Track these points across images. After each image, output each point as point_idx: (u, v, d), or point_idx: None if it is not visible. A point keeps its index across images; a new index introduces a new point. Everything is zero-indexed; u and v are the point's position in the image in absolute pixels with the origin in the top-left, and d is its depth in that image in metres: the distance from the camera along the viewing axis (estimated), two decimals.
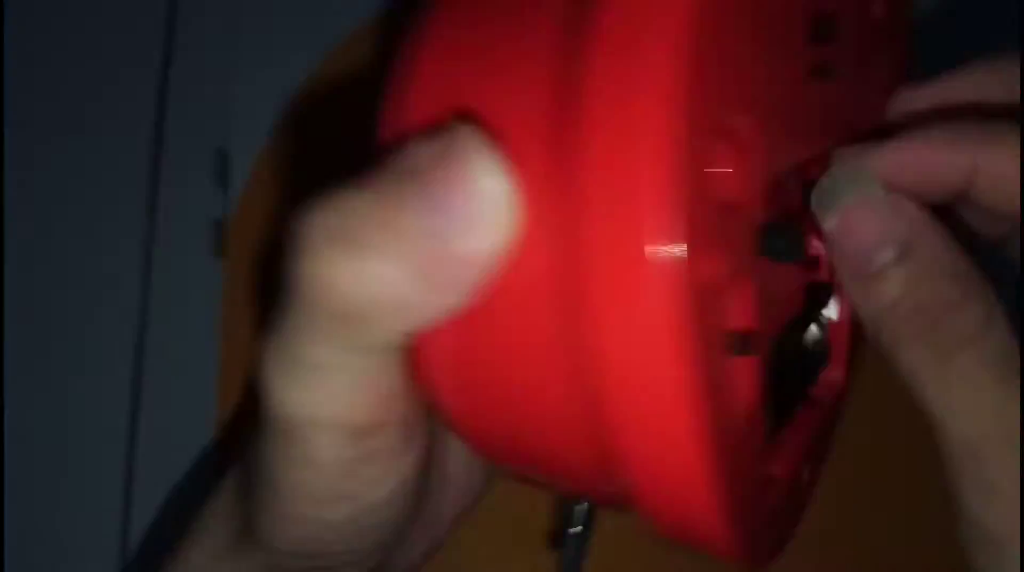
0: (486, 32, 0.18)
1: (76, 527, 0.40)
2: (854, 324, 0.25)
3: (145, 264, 0.43)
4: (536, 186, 0.16)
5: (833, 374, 0.25)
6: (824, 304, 0.24)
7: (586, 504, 0.27)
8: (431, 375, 0.19)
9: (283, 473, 0.20)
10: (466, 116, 0.17)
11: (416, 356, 0.19)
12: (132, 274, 0.43)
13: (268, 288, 0.42)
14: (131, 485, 0.40)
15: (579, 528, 0.26)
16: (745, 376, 0.18)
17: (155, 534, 0.40)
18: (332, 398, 0.18)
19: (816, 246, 0.21)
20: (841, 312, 0.25)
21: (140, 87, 0.45)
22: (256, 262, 0.42)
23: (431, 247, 0.16)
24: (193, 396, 0.41)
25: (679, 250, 0.14)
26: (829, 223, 0.18)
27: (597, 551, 0.39)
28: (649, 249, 0.14)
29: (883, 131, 0.20)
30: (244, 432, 0.27)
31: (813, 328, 0.24)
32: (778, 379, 0.21)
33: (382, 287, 0.16)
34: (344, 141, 0.44)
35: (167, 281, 0.43)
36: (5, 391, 0.41)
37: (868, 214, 0.18)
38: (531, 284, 0.16)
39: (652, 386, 0.15)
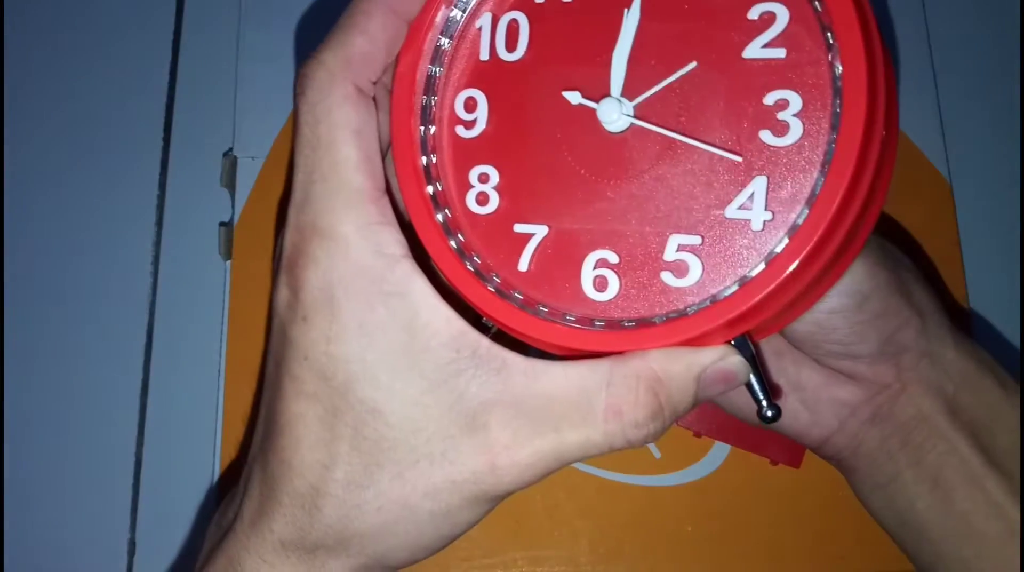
0: None
1: (83, 521, 0.41)
2: None
3: (155, 265, 0.44)
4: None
5: None
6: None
7: None
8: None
9: None
10: None
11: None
12: (143, 274, 0.44)
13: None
14: (139, 473, 0.41)
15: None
16: None
17: (162, 529, 0.41)
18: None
19: None
20: None
21: (149, 94, 0.46)
22: (262, 263, 0.43)
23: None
24: (201, 393, 0.42)
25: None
26: None
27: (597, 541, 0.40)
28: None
29: None
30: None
31: None
32: None
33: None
34: None
35: (176, 281, 0.44)
36: (12, 385, 0.42)
37: None
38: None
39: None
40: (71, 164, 0.45)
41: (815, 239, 0.22)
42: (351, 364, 0.24)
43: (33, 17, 0.47)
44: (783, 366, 0.34)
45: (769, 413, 0.26)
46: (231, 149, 0.44)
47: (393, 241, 0.24)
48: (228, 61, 0.45)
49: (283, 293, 0.25)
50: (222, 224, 0.44)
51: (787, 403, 0.34)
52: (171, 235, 0.44)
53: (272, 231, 0.43)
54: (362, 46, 0.25)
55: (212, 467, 0.41)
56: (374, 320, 0.24)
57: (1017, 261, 0.44)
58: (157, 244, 0.44)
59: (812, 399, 0.34)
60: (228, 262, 0.43)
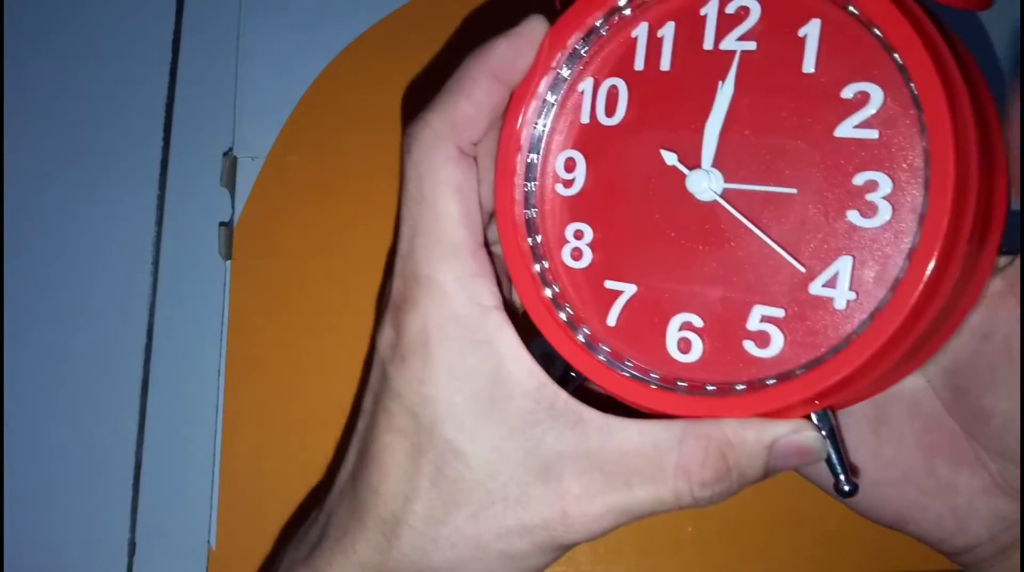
0: None
1: (83, 521, 0.41)
2: None
3: (155, 265, 0.44)
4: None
5: None
6: None
7: None
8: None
9: None
10: None
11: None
12: (143, 274, 0.44)
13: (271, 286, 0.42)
14: (139, 473, 0.41)
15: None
16: None
17: (162, 529, 0.41)
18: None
19: None
20: None
21: (149, 94, 0.46)
22: (263, 263, 0.43)
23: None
24: (201, 393, 0.42)
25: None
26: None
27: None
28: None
29: None
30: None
31: None
32: None
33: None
34: (349, 145, 0.44)
35: (176, 281, 0.44)
36: (12, 384, 0.42)
37: None
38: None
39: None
40: (71, 164, 0.45)
41: (897, 325, 0.22)
42: (439, 405, 0.25)
43: (33, 17, 0.47)
44: (934, 465, 0.30)
45: (847, 488, 0.26)
46: (231, 149, 0.45)
47: (488, 292, 0.26)
48: (228, 61, 0.45)
49: (388, 333, 0.27)
50: (222, 224, 0.44)
51: (933, 508, 0.30)
52: (171, 235, 0.44)
53: (272, 231, 0.43)
54: (466, 110, 0.26)
55: (212, 467, 0.41)
56: (464, 366, 0.25)
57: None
58: (157, 244, 0.44)
59: (965, 508, 0.30)
60: (228, 262, 0.43)
